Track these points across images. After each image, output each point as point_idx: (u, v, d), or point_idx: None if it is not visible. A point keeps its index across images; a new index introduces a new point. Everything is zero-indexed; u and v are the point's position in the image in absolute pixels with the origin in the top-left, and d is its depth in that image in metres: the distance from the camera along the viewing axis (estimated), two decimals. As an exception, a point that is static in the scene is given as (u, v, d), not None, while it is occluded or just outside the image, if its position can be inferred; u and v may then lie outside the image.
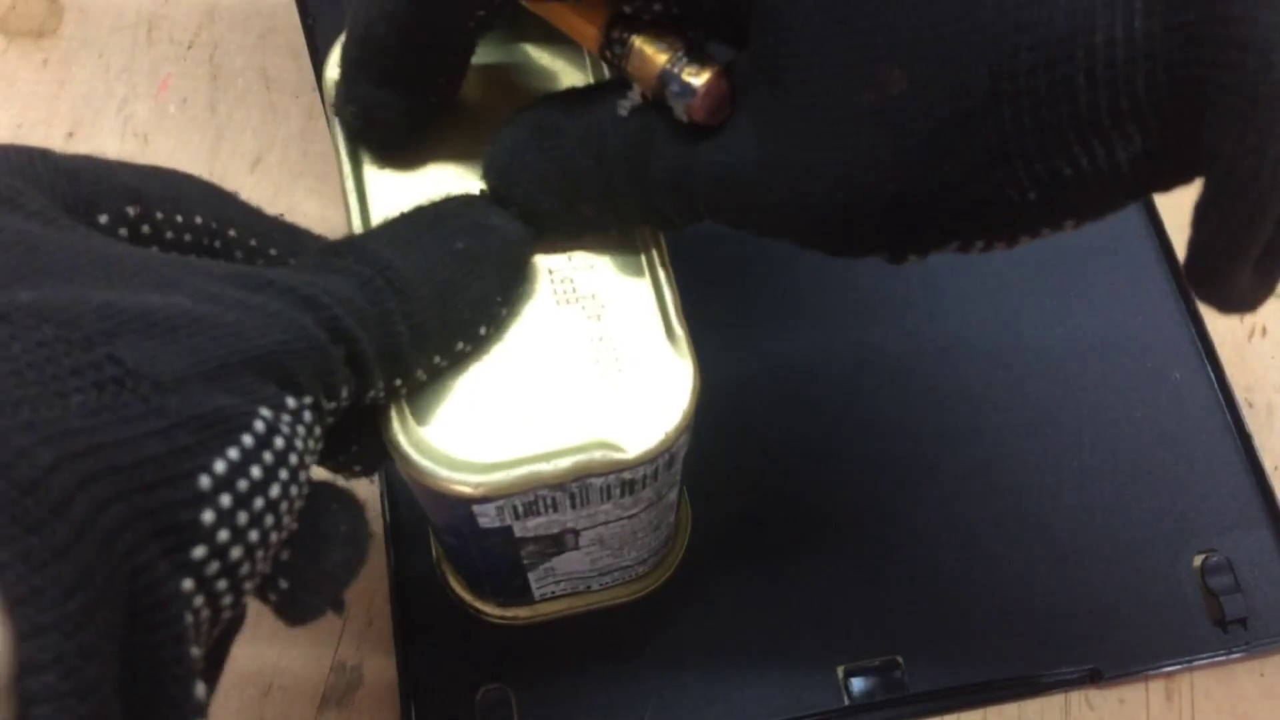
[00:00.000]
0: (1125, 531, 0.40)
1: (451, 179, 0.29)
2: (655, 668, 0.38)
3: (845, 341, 0.44)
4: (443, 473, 0.25)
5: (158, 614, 0.17)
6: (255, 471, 0.19)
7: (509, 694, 0.38)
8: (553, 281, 0.28)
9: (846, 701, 0.38)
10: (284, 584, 0.22)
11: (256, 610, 0.40)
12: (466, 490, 0.25)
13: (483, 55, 0.30)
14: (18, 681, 0.15)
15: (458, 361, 0.26)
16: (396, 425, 0.26)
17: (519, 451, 0.26)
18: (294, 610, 0.23)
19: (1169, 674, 0.39)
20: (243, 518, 0.19)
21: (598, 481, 0.26)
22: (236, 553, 0.19)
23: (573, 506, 0.27)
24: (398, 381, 0.24)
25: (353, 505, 0.24)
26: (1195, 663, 0.39)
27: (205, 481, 0.18)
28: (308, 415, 0.21)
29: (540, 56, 0.31)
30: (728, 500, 0.41)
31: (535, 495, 0.26)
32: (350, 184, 0.29)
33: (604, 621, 0.38)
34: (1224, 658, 0.39)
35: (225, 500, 0.18)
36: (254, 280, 0.21)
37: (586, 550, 0.31)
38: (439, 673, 0.38)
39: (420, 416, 0.26)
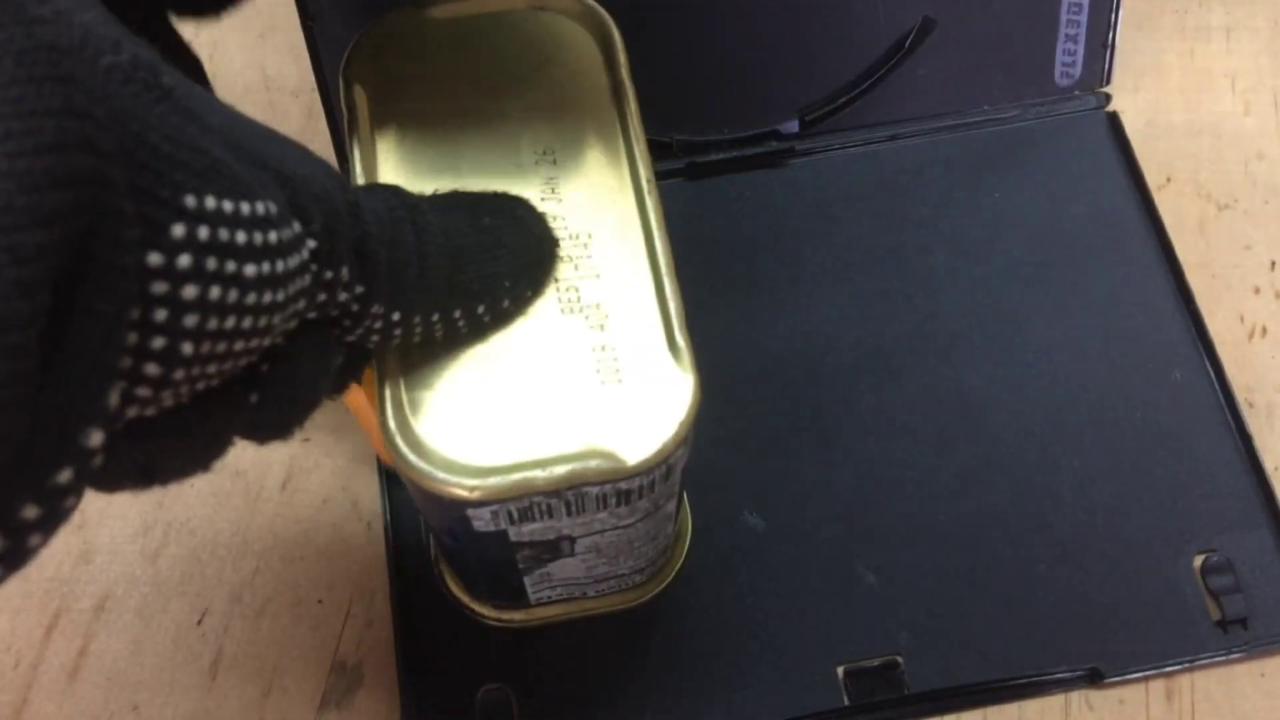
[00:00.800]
0: (1125, 531, 0.40)
1: (462, 179, 0.29)
2: (656, 668, 0.38)
3: (845, 341, 0.44)
4: (439, 475, 0.25)
5: (107, 276, 0.16)
6: (241, 237, 0.18)
7: (509, 694, 0.38)
8: (558, 289, 0.28)
9: (846, 701, 0.38)
10: (254, 398, 0.21)
11: (257, 611, 0.40)
12: (461, 493, 0.25)
13: (494, 57, 0.31)
14: None
15: (453, 336, 0.26)
16: (394, 425, 0.26)
17: (515, 456, 0.26)
18: (262, 424, 0.22)
19: (1169, 674, 0.39)
20: (210, 263, 0.18)
21: (593, 490, 0.26)
22: (189, 292, 0.17)
23: (568, 514, 0.27)
24: (395, 316, 0.24)
25: (328, 337, 0.23)
26: (1195, 663, 0.39)
27: (190, 201, 0.17)
28: (306, 253, 0.20)
29: (554, 68, 0.31)
30: (727, 499, 0.41)
31: (530, 501, 0.26)
32: (362, 181, 0.29)
33: (605, 622, 0.38)
34: (1224, 658, 0.39)
35: (202, 232, 0.17)
36: (300, 144, 0.22)
37: (582, 558, 0.31)
38: (439, 673, 0.38)
39: (418, 418, 0.26)
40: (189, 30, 0.54)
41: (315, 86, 0.44)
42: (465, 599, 0.38)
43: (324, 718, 0.39)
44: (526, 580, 0.33)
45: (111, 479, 0.20)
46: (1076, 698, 0.39)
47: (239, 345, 0.19)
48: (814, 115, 0.47)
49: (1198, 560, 0.40)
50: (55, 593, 0.41)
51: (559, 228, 0.28)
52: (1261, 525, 0.40)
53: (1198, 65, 0.51)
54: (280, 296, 0.20)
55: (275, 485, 0.43)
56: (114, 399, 0.17)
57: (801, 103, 0.47)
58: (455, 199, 0.27)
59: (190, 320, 0.18)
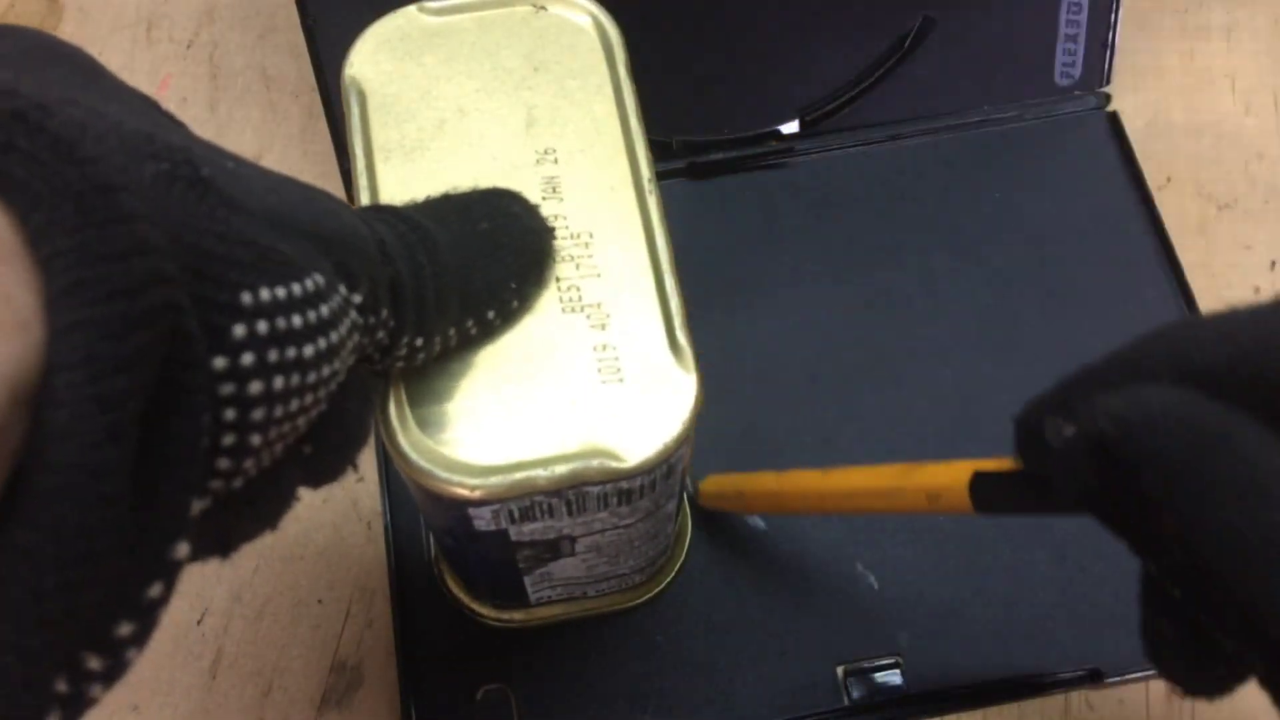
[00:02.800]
0: (1125, 531, 0.40)
1: (463, 179, 0.29)
2: (655, 668, 0.38)
3: (845, 341, 0.44)
4: (440, 474, 0.25)
5: (184, 397, 0.16)
6: (296, 321, 0.18)
7: (509, 694, 0.38)
8: (559, 289, 0.28)
9: (846, 701, 0.38)
10: (308, 449, 0.21)
11: (257, 611, 0.40)
12: (463, 492, 0.25)
13: (494, 57, 0.31)
14: (43, 380, 0.14)
15: (465, 343, 0.26)
16: (396, 424, 0.26)
17: (516, 456, 0.26)
18: (319, 470, 0.22)
19: (1169, 674, 0.39)
20: (272, 355, 0.18)
21: (594, 489, 0.26)
22: (255, 388, 0.18)
23: (569, 513, 0.27)
24: (419, 341, 0.24)
25: (366, 376, 0.24)
26: (1195, 663, 0.39)
27: (247, 299, 0.17)
28: (354, 313, 0.21)
29: (555, 68, 0.31)
30: (727, 500, 0.41)
31: (531, 500, 0.26)
32: (364, 180, 0.29)
33: (605, 622, 0.38)
34: (1224, 658, 0.39)
35: (261, 327, 0.17)
36: (313, 186, 0.22)
37: (583, 557, 0.31)
38: (439, 673, 0.38)
39: (420, 417, 0.26)
40: (188, 30, 0.54)
41: (315, 86, 0.44)
42: (465, 599, 0.38)
43: (324, 718, 0.39)
44: (527, 580, 0.33)
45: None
46: (1076, 698, 0.39)
47: (302, 420, 0.20)
48: (814, 115, 0.47)
49: (1198, 560, 0.40)
50: (55, 593, 0.41)
51: (560, 227, 0.28)
52: (1261, 525, 0.40)
53: (1198, 65, 0.51)
54: (336, 364, 0.20)
55: (275, 485, 0.42)
56: (197, 509, 0.17)
57: (801, 103, 0.47)
58: (447, 204, 0.27)
59: (258, 413, 0.18)
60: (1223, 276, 0.46)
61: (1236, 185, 0.48)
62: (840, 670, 0.38)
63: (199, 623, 0.40)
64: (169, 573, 0.17)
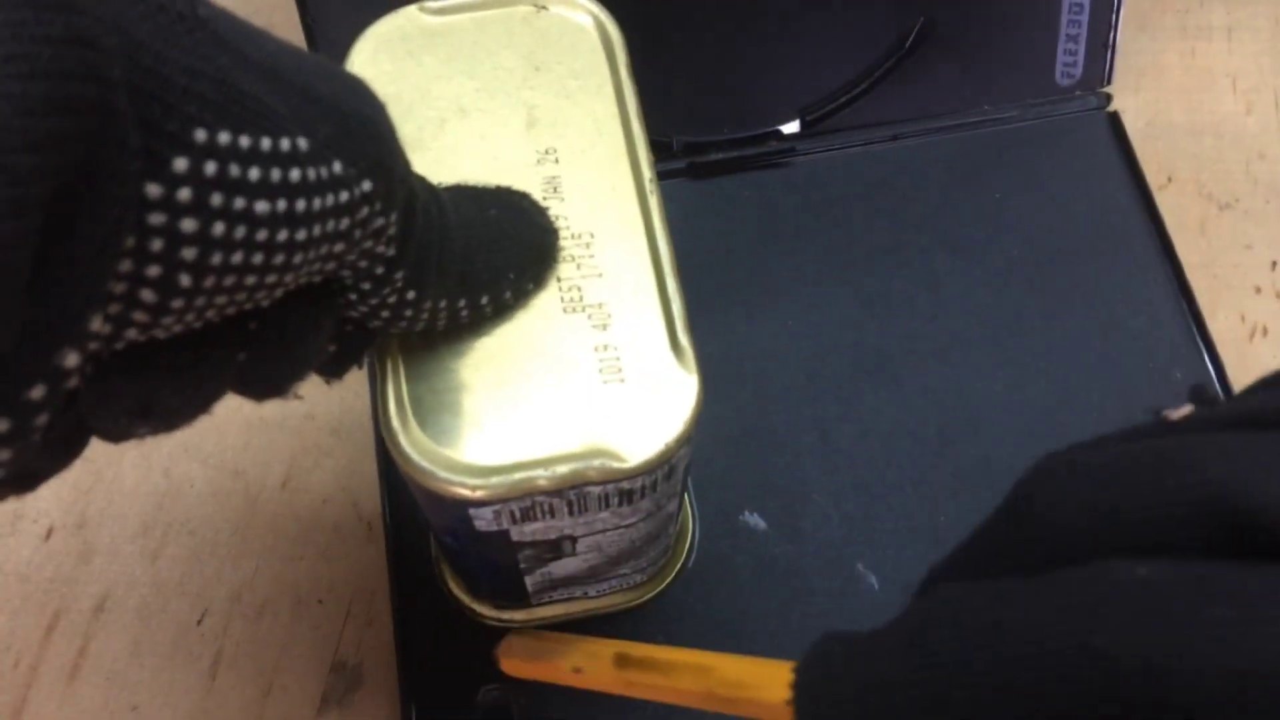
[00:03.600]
0: (1126, 532, 0.40)
1: (464, 179, 0.29)
2: (655, 668, 0.38)
3: (845, 341, 0.44)
4: (441, 474, 0.25)
5: (102, 206, 0.16)
6: (255, 173, 0.18)
7: (509, 694, 0.38)
8: (560, 289, 0.28)
9: (846, 702, 0.38)
10: (241, 356, 0.21)
11: (257, 611, 0.40)
12: (464, 493, 0.25)
13: (494, 57, 0.31)
14: None
15: (453, 325, 0.26)
16: (397, 425, 0.26)
17: (518, 456, 0.26)
18: (251, 380, 0.22)
19: (1169, 674, 0.39)
20: (215, 199, 0.17)
21: (595, 490, 0.26)
22: (188, 226, 0.17)
23: (570, 513, 0.27)
24: (410, 294, 0.24)
25: (318, 300, 0.23)
26: (1196, 663, 0.39)
27: (200, 135, 0.17)
28: (350, 192, 0.20)
29: (555, 69, 0.31)
30: (727, 499, 0.41)
31: (532, 501, 0.26)
32: None
33: (606, 622, 0.38)
34: (1224, 658, 0.39)
35: (209, 167, 0.17)
36: (360, 79, 0.22)
37: (584, 557, 0.31)
38: (439, 673, 0.38)
39: (421, 417, 0.26)
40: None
41: (315, 86, 0.44)
42: (466, 599, 0.38)
43: (324, 718, 0.39)
44: (527, 580, 0.33)
45: (109, 413, 0.20)
46: (1077, 698, 0.39)
47: (250, 279, 0.19)
48: (814, 115, 0.47)
49: (1198, 560, 0.40)
50: (55, 593, 0.41)
51: (561, 227, 0.28)
52: (1262, 525, 0.40)
53: (1199, 65, 0.51)
54: (301, 235, 0.19)
55: (275, 485, 0.42)
56: (96, 323, 0.17)
57: (802, 103, 0.47)
58: (461, 191, 0.27)
59: (189, 253, 0.17)
60: (1223, 277, 0.46)
61: (1237, 185, 0.48)
62: (841, 670, 0.38)
63: (199, 623, 0.40)
64: (52, 379, 0.16)
